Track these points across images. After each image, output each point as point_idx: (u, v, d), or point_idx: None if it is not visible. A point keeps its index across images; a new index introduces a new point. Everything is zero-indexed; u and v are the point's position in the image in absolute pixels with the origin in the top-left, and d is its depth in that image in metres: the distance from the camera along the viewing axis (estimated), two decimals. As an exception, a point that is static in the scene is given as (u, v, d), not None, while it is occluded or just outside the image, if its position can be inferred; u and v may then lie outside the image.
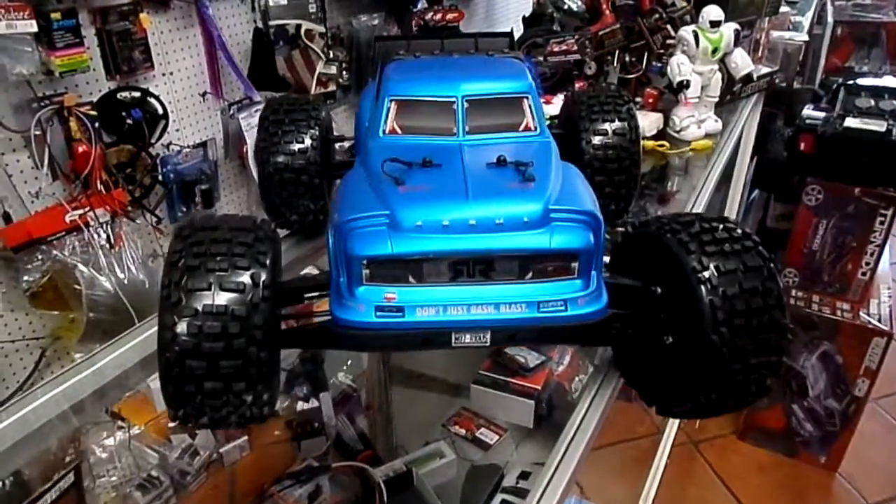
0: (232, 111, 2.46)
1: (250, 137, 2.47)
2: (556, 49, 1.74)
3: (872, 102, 2.11)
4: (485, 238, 0.73)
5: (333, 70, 2.81)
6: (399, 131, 0.88)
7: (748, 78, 1.85)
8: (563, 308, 0.77)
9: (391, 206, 0.75)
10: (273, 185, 1.19)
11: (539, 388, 1.45)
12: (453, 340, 0.77)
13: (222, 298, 0.73)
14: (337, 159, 1.30)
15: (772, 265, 0.79)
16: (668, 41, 1.76)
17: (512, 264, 0.75)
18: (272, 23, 2.50)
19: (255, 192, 2.68)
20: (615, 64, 1.78)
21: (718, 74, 1.73)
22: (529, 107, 0.89)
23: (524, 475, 1.59)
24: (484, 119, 0.87)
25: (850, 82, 2.19)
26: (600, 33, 1.77)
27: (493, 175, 0.79)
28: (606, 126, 1.18)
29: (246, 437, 1.93)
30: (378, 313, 0.76)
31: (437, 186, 0.77)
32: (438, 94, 0.87)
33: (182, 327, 0.72)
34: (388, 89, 0.88)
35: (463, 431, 1.45)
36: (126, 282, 2.13)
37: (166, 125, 2.25)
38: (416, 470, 1.28)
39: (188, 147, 2.37)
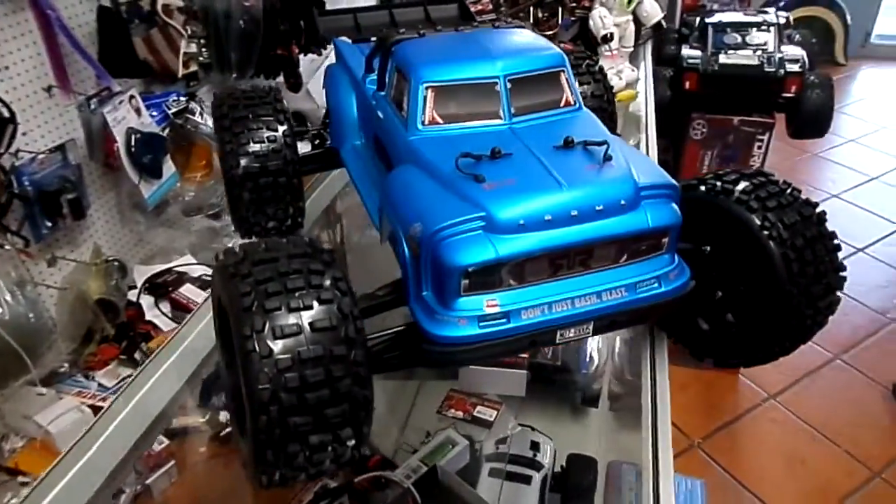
0: (92, 105, 2.14)
1: (119, 134, 2.18)
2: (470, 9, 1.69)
3: (739, 38, 2.30)
4: (589, 227, 0.70)
5: (193, 48, 2.54)
6: (440, 121, 0.80)
7: (658, 25, 1.93)
8: (657, 285, 0.76)
9: (484, 206, 0.68)
10: (245, 191, 1.05)
11: (528, 356, 1.45)
12: (558, 337, 0.73)
13: (318, 340, 0.63)
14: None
15: (818, 209, 0.84)
16: (580, -6, 1.78)
17: (610, 249, 0.73)
18: (124, -1, 2.19)
19: (127, 192, 2.39)
20: (530, 20, 1.77)
21: (632, 25, 1.78)
22: (567, 80, 0.85)
23: (502, 440, 1.60)
24: (527, 98, 0.82)
25: (716, 21, 2.37)
26: (515, -11, 1.75)
27: (567, 159, 0.74)
28: (583, 89, 1.16)
29: (173, 462, 1.78)
30: (481, 324, 0.70)
31: (522, 178, 0.71)
32: (479, 77, 0.80)
33: (280, 381, 0.62)
34: (420, 75, 0.79)
35: (460, 414, 1.42)
36: (7, 317, 1.83)
37: (15, 130, 1.91)
38: (438, 464, 1.24)
39: (43, 152, 2.04)
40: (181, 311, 2.21)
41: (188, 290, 2.26)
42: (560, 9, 1.77)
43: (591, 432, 1.82)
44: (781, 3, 4.20)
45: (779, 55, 2.18)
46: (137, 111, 2.27)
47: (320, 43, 2.99)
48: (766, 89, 2.19)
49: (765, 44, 2.23)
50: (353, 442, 0.68)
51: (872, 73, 4.82)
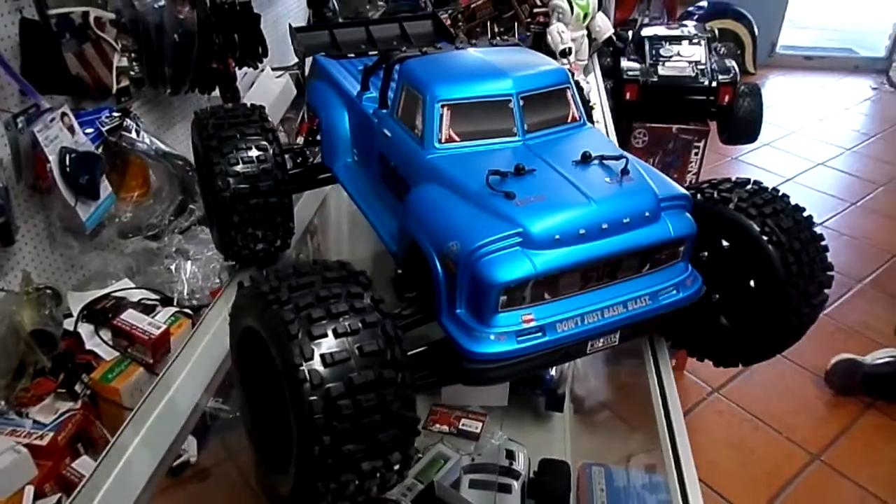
0: (20, 124, 2.01)
1: (53, 153, 2.05)
2: (428, 24, 1.69)
3: (674, 51, 2.42)
4: (619, 239, 0.72)
5: (125, 62, 2.43)
6: (457, 139, 0.80)
7: (609, 39, 2.00)
8: (675, 292, 0.79)
9: (520, 222, 0.69)
10: (235, 213, 1.01)
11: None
12: (589, 348, 0.75)
13: (367, 364, 0.62)
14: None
15: (808, 212, 0.89)
16: (535, 10, 1.81)
17: (635, 260, 0.75)
18: (53, 11, 2.06)
19: (59, 215, 2.24)
20: (488, 35, 1.79)
21: (586, 39, 1.84)
22: (572, 97, 0.87)
23: (476, 451, 1.61)
24: (538, 115, 0.83)
25: (651, 34, 2.48)
26: (472, 6, 1.76)
27: (588, 173, 0.76)
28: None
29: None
30: (519, 339, 0.71)
31: (551, 194, 0.72)
32: (493, 94, 0.81)
33: (334, 409, 0.60)
34: (436, 94, 0.79)
35: (446, 428, 1.42)
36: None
37: (-63, 153, 1.77)
38: (435, 480, 1.23)
39: (-33, 176, 1.90)
40: (124, 338, 2.09)
41: (130, 316, 2.14)
42: (516, 24, 1.81)
43: (557, 436, 1.85)
44: (696, 17, 4.45)
45: (711, 66, 2.31)
46: (71, 129, 2.15)
47: (259, 58, 2.93)
48: (701, 99, 2.31)
49: (697, 56, 2.35)
50: (398, 466, 0.67)
51: (780, 80, 5.17)
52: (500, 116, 0.82)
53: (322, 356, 0.61)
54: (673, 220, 0.76)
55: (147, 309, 2.25)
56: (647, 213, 0.74)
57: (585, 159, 0.78)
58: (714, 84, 2.27)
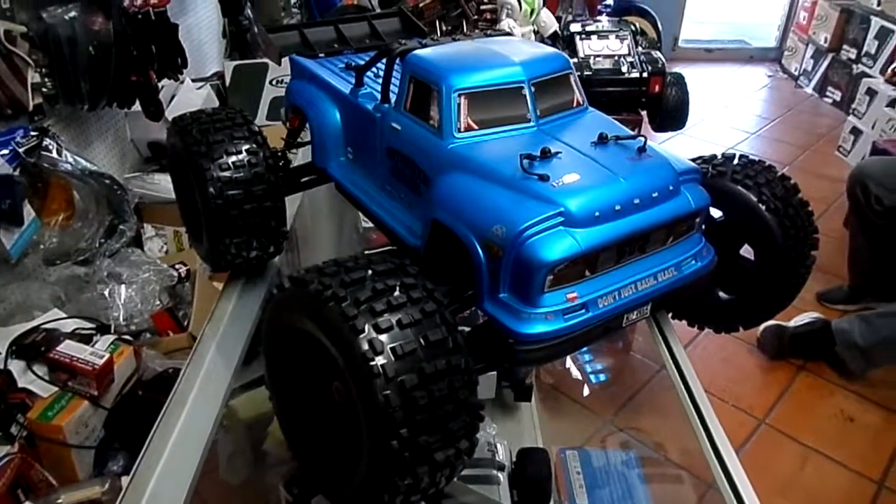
0: (-69, 149, 1.84)
1: (-27, 179, 1.89)
2: (377, 25, 1.67)
3: (603, 45, 2.51)
4: (650, 213, 0.74)
5: (38, 78, 2.28)
6: (475, 127, 0.80)
7: (555, 35, 2.04)
8: (694, 262, 0.82)
9: (560, 202, 0.70)
10: (228, 220, 0.97)
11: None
12: (624, 321, 0.77)
13: (435, 354, 0.62)
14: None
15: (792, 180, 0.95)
16: (482, 6, 1.83)
17: (662, 233, 0.78)
18: (-42, 26, 1.90)
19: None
20: (437, 35, 1.79)
21: (533, 35, 1.87)
22: (575, 82, 0.89)
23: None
24: (547, 101, 0.85)
25: (580, 30, 2.56)
26: (420, 5, 1.76)
27: (609, 153, 0.78)
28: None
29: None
30: (566, 317, 0.72)
31: (583, 174, 0.74)
32: (506, 81, 0.81)
33: (411, 401, 0.59)
34: (451, 83, 0.79)
35: (442, 425, 1.40)
36: None
37: None
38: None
39: None
40: (63, 371, 1.95)
41: (68, 348, 2.00)
42: (464, 22, 1.82)
43: (527, 426, 1.88)
44: (603, 14, 4.63)
45: (640, 58, 2.41)
46: (-13, 152, 1.99)
47: (179, 69, 2.81)
48: (633, 89, 2.41)
49: (624, 49, 2.46)
50: (465, 454, 0.67)
51: (684, 72, 5.42)
52: (513, 103, 0.83)
53: (392, 349, 0.60)
54: (691, 192, 0.79)
55: (84, 339, 2.10)
56: (670, 187, 0.77)
57: (603, 140, 0.80)
58: (645, 75, 2.37)
